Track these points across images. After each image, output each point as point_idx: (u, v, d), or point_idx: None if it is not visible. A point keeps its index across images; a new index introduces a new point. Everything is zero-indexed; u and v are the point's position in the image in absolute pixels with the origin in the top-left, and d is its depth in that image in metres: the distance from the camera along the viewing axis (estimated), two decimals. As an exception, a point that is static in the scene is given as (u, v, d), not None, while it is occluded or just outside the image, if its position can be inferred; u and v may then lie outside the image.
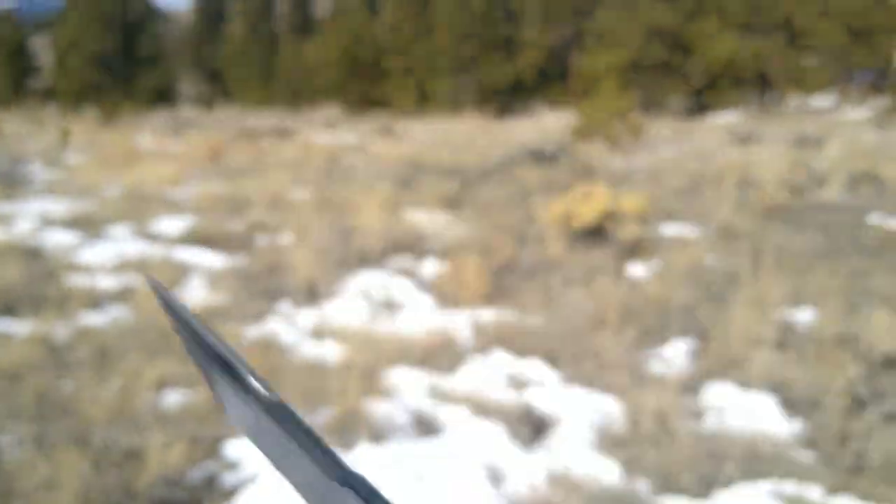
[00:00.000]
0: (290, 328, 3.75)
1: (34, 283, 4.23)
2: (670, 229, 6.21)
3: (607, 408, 2.91)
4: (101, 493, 2.23)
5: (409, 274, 4.69)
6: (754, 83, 33.49)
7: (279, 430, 0.28)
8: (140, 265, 4.66)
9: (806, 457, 2.57)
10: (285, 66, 38.55)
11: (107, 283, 4.33)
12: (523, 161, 9.86)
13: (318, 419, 2.81)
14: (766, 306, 3.88)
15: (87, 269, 4.62)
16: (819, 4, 32.97)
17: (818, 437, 2.70)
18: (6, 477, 2.31)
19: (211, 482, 2.39)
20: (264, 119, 22.06)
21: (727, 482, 2.39)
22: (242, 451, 2.53)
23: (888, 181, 8.09)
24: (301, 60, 38.72)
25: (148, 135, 15.01)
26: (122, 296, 4.14)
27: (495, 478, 2.44)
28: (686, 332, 3.70)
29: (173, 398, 2.90)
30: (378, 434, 2.69)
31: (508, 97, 35.47)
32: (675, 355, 3.43)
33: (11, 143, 12.21)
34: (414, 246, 5.45)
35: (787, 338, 3.60)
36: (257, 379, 0.30)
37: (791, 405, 2.92)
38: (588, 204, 5.39)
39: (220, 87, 50.48)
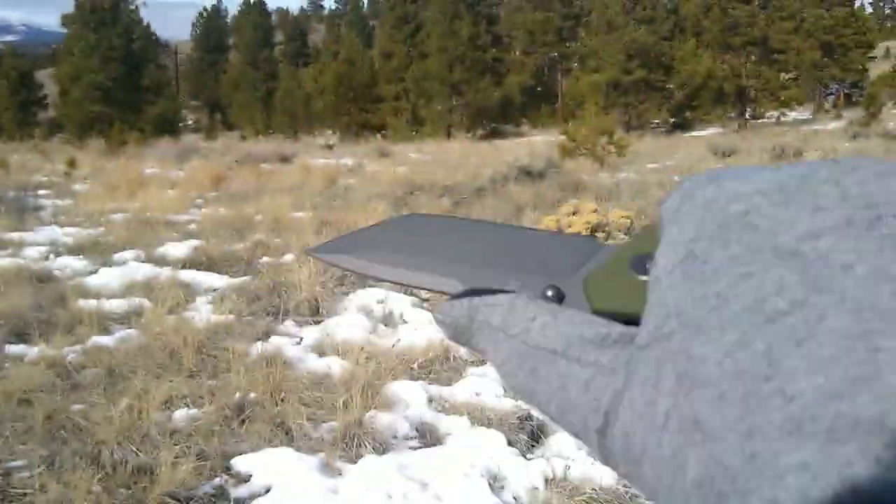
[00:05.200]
0: (294, 344, 3.74)
1: (44, 308, 4.20)
2: (657, 240, 6.22)
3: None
4: (113, 510, 2.21)
5: (407, 290, 4.69)
6: (733, 99, 33.76)
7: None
8: (147, 288, 4.64)
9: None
10: (283, 94, 38.72)
11: (115, 306, 4.31)
12: (514, 178, 9.89)
13: (323, 432, 2.80)
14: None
15: (95, 294, 4.60)
16: (793, 22, 33.33)
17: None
18: (18, 499, 2.28)
19: (220, 496, 2.37)
20: (264, 145, 22.11)
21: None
22: (252, 465, 2.51)
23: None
24: (299, 88, 38.91)
25: (152, 163, 15.02)
26: (130, 318, 4.12)
27: (496, 484, 2.42)
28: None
29: (181, 415, 2.88)
30: (382, 445, 2.67)
31: (497, 118, 35.68)
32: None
33: (19, 173, 12.21)
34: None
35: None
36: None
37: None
38: (578, 217, 5.41)
39: (220, 115, 50.69)
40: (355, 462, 2.54)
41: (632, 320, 0.21)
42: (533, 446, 2.72)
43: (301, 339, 3.86)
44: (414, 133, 31.81)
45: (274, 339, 3.77)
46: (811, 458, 0.14)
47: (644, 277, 0.22)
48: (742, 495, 0.15)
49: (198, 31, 58.33)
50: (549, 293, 0.24)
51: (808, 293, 0.16)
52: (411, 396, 3.07)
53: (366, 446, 2.65)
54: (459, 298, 0.25)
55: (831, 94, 41.94)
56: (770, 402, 0.15)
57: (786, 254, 0.17)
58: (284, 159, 15.87)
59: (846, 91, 40.47)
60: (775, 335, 0.16)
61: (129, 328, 3.92)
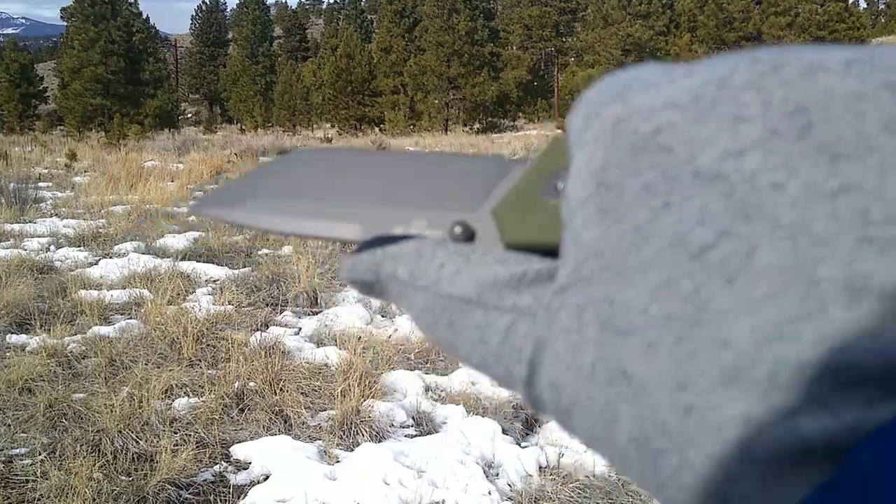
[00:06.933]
0: (293, 334, 3.75)
1: (45, 299, 4.20)
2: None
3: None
4: (113, 497, 2.22)
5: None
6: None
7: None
8: (147, 279, 4.64)
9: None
10: (282, 88, 38.59)
11: (115, 296, 4.31)
12: (510, 172, 9.89)
13: (321, 420, 2.81)
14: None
15: (96, 284, 4.60)
16: (787, 17, 33.31)
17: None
18: (20, 486, 2.29)
19: (220, 483, 2.38)
20: (263, 138, 22.06)
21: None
22: (251, 452, 2.52)
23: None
24: (297, 81, 38.79)
25: (152, 155, 14.98)
26: (131, 308, 4.12)
27: (491, 471, 2.44)
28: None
29: (182, 404, 2.89)
30: (379, 433, 2.69)
31: (494, 112, 35.63)
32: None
33: (19, 165, 12.17)
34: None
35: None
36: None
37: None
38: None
39: (220, 108, 50.53)
40: (352, 450, 2.55)
41: (549, 251, 0.19)
42: (527, 434, 2.74)
43: (300, 329, 3.86)
44: (411, 127, 31.74)
45: (273, 330, 3.78)
46: (752, 409, 0.13)
47: (556, 202, 0.20)
48: (680, 451, 0.13)
49: (197, 25, 58.08)
50: (458, 231, 0.22)
51: (735, 222, 0.14)
52: (408, 385, 3.08)
53: (363, 434, 2.66)
54: (363, 252, 0.23)
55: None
56: (703, 349, 0.13)
57: (707, 177, 0.14)
58: (283, 152, 15.83)
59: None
60: (702, 273, 0.14)
61: (130, 318, 3.93)
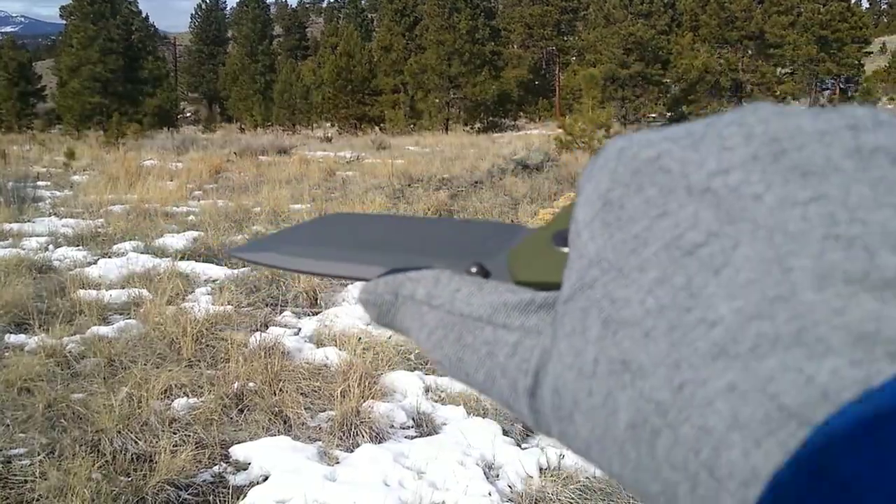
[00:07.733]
0: (293, 335, 3.75)
1: (44, 299, 4.21)
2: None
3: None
4: (112, 497, 2.22)
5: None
6: (729, 93, 33.73)
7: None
8: (146, 279, 4.64)
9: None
10: (282, 87, 38.59)
11: (114, 296, 4.32)
12: (511, 171, 9.89)
13: (321, 421, 2.81)
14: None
15: (95, 284, 4.60)
16: (789, 17, 33.27)
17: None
18: (18, 486, 2.30)
19: (219, 484, 2.39)
20: (263, 137, 22.06)
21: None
22: (251, 453, 2.53)
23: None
24: (297, 80, 38.79)
25: (151, 154, 14.98)
26: (130, 308, 4.12)
27: (491, 472, 2.44)
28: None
29: (181, 404, 2.89)
30: (379, 434, 2.69)
31: (495, 112, 35.61)
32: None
33: (18, 164, 12.17)
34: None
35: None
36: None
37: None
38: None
39: (219, 107, 50.51)
40: (352, 450, 2.56)
41: (555, 289, 0.21)
42: (528, 436, 2.74)
43: (299, 329, 3.87)
44: (412, 126, 31.73)
45: (272, 330, 3.78)
46: (737, 379, 0.14)
47: (565, 249, 0.22)
48: (674, 427, 0.15)
49: (196, 24, 58.09)
50: (474, 270, 0.24)
51: (721, 224, 0.16)
52: (408, 386, 3.08)
53: (363, 435, 2.66)
54: (384, 276, 0.25)
55: (827, 88, 41.92)
56: (694, 331, 0.15)
57: (698, 191, 0.17)
58: (283, 151, 15.84)
59: (842, 86, 40.45)
60: (694, 267, 0.16)
61: (129, 318, 3.93)
